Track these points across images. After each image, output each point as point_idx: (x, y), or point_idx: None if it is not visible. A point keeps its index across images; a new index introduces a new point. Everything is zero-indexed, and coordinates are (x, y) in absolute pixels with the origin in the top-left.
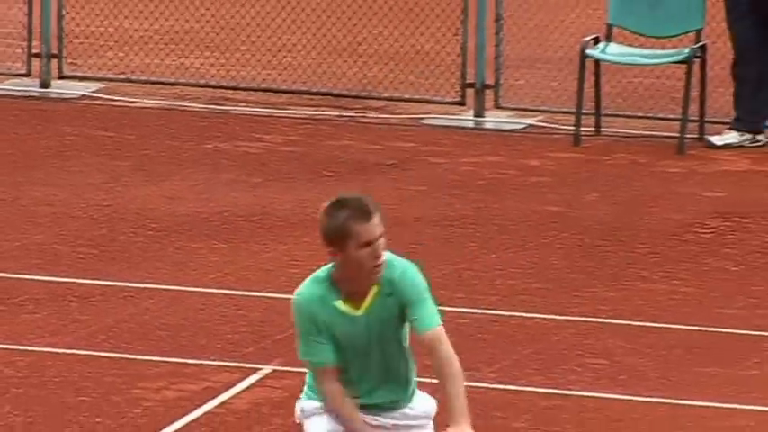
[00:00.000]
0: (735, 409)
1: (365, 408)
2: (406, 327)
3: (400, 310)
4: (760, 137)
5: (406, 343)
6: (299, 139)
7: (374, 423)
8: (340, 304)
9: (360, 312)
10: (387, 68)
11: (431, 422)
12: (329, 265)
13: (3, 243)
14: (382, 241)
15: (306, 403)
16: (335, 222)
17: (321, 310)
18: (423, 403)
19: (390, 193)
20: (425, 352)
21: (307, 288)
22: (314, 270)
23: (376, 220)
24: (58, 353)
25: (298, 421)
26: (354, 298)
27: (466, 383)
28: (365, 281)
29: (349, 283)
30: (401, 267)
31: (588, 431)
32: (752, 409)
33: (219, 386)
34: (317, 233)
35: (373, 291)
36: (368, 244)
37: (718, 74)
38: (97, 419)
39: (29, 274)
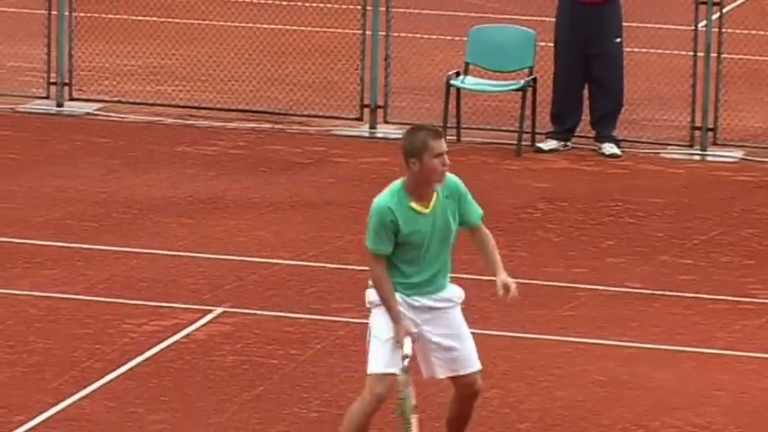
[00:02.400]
0: (558, 340)
1: (413, 287)
2: (455, 227)
3: (455, 207)
4: (569, 143)
5: (453, 240)
6: (244, 144)
7: (416, 304)
8: (414, 205)
9: (428, 211)
10: (306, 93)
11: (459, 304)
12: (399, 182)
13: (30, 218)
14: (447, 157)
15: (373, 294)
16: (417, 138)
17: (398, 210)
18: (455, 289)
19: (309, 183)
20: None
21: (385, 196)
22: (259, 238)
23: (444, 139)
24: (68, 298)
25: (368, 306)
26: (423, 201)
27: (361, 321)
28: (434, 184)
29: (419, 188)
30: (453, 178)
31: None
32: (569, 340)
33: (185, 322)
34: (258, 212)
35: (436, 194)
36: (440, 155)
37: (544, 98)
38: (96, 346)
39: (48, 241)
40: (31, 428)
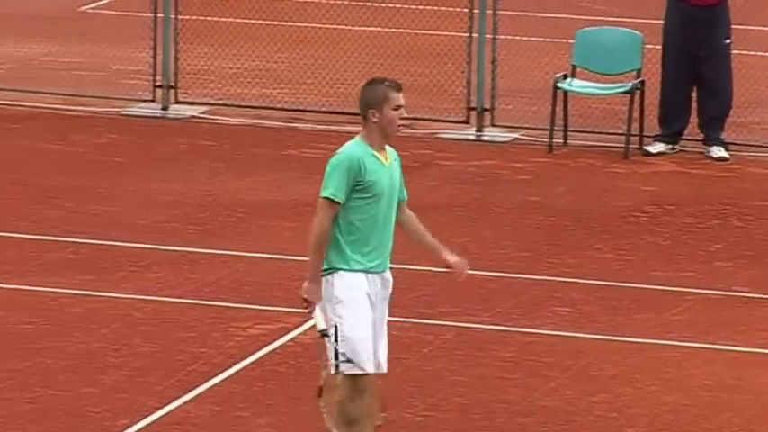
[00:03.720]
0: (664, 344)
1: (371, 256)
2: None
3: (399, 176)
4: (676, 146)
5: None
6: None
7: (376, 280)
8: (377, 154)
9: (387, 163)
10: (412, 96)
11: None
12: (356, 137)
13: (135, 222)
14: (404, 111)
15: (339, 289)
16: (378, 90)
17: (365, 158)
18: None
19: (414, 186)
20: None
21: (349, 147)
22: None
23: (402, 94)
24: (173, 301)
25: (334, 300)
26: (381, 153)
27: (468, 326)
28: (388, 137)
29: (377, 140)
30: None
31: (557, 360)
32: (676, 345)
33: (290, 326)
34: None
35: (388, 151)
36: (398, 107)
37: (651, 101)
38: (201, 349)
39: (153, 244)
40: None
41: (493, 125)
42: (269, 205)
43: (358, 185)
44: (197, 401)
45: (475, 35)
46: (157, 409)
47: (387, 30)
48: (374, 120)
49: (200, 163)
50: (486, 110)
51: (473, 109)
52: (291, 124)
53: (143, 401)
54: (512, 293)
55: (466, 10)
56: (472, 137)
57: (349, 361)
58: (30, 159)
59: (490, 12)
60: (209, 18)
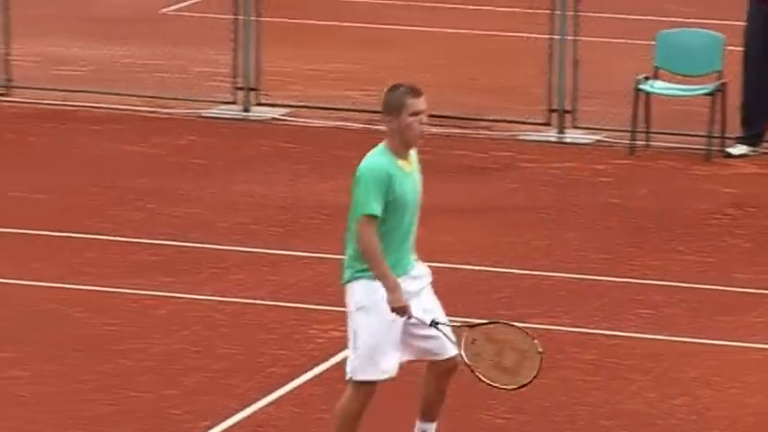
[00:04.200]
0: (745, 347)
1: (395, 262)
2: None
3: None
4: (758, 148)
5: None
6: (429, 149)
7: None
8: (400, 163)
9: (409, 170)
10: (494, 98)
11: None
12: (380, 145)
13: (216, 224)
14: (425, 116)
15: (359, 294)
16: (394, 96)
17: (390, 168)
18: (423, 266)
19: (495, 188)
20: None
21: (374, 158)
22: (444, 243)
23: (423, 98)
24: (253, 303)
25: (354, 308)
26: (403, 160)
27: (549, 328)
28: (410, 144)
29: (398, 147)
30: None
31: (638, 363)
32: (757, 347)
33: None
34: (444, 217)
35: (411, 157)
36: (416, 113)
37: (733, 102)
38: (282, 351)
39: (234, 246)
40: None
41: (574, 127)
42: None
43: (387, 196)
44: (278, 403)
45: (556, 37)
46: (238, 410)
47: (467, 31)
48: (392, 126)
49: (281, 165)
50: (567, 111)
51: (554, 111)
52: (373, 126)
53: (224, 403)
54: (593, 296)
55: (547, 11)
56: (553, 139)
57: (363, 368)
58: (111, 161)
59: (571, 13)
60: (289, 20)
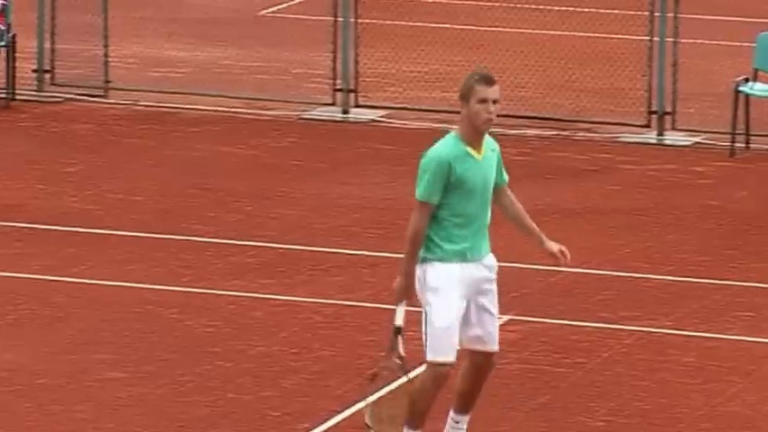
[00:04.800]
0: None
1: (464, 250)
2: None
3: (495, 164)
4: None
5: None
6: (529, 151)
7: (474, 273)
8: (469, 150)
9: (479, 157)
10: (593, 100)
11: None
12: (451, 132)
13: (314, 226)
14: (495, 106)
15: (431, 273)
16: (467, 83)
17: (455, 157)
18: (493, 258)
19: (594, 190)
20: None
21: (441, 146)
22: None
23: (495, 87)
24: (353, 305)
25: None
26: (474, 146)
27: (649, 330)
28: (478, 131)
29: (468, 133)
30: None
31: (738, 365)
32: None
33: None
34: (543, 219)
35: (484, 144)
36: (483, 101)
37: None
38: (382, 353)
39: (332, 248)
40: None
41: (674, 129)
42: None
43: (449, 185)
44: None
45: (656, 38)
46: (338, 412)
47: (566, 33)
48: (464, 112)
49: (379, 167)
50: (667, 113)
51: (654, 113)
52: None
53: (323, 405)
54: (693, 298)
55: (647, 13)
56: (653, 140)
57: (435, 349)
58: (209, 163)
59: (671, 15)
60: (388, 22)
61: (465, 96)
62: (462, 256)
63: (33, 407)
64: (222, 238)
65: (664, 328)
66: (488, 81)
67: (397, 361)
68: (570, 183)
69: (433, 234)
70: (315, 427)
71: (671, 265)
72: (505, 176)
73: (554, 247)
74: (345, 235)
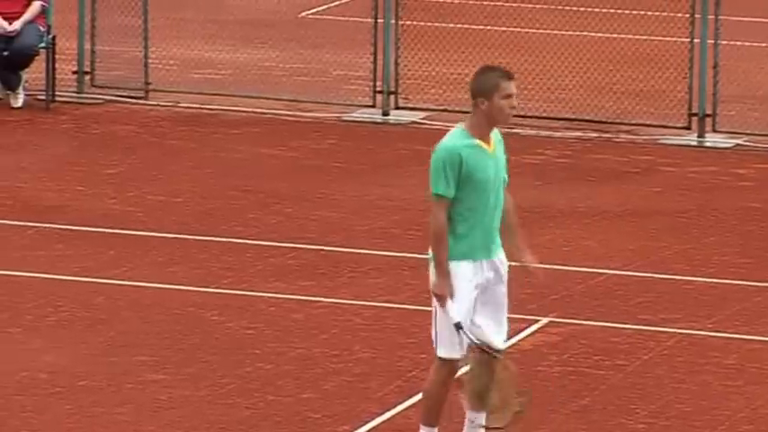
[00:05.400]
0: None
1: (479, 246)
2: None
3: (502, 156)
4: None
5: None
6: (570, 153)
7: (485, 268)
8: (479, 143)
9: (490, 150)
10: (634, 102)
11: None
12: (457, 126)
13: (355, 227)
14: (516, 100)
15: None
16: (489, 78)
17: (466, 150)
18: (503, 253)
19: (635, 192)
20: None
21: (451, 139)
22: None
23: (514, 82)
24: (394, 307)
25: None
26: (484, 140)
27: (689, 332)
28: (497, 125)
29: (482, 128)
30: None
31: None
32: None
33: (511, 332)
34: (585, 221)
35: (493, 136)
36: (509, 96)
37: None
38: (422, 355)
39: (373, 250)
40: None
41: (714, 131)
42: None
43: (461, 177)
44: (418, 408)
45: (696, 40)
46: (378, 414)
47: (607, 35)
48: (482, 107)
49: (420, 168)
50: (707, 115)
51: (695, 115)
52: (512, 130)
53: (364, 407)
54: (734, 300)
55: (687, 15)
56: (694, 143)
57: (444, 345)
58: (250, 164)
59: (712, 17)
60: (429, 23)
61: (488, 92)
62: (473, 255)
63: (74, 409)
64: (263, 240)
65: (704, 330)
66: (510, 76)
67: (478, 351)
68: (611, 185)
69: (447, 229)
70: (355, 429)
71: (712, 268)
72: (506, 176)
73: (532, 263)
74: (386, 237)
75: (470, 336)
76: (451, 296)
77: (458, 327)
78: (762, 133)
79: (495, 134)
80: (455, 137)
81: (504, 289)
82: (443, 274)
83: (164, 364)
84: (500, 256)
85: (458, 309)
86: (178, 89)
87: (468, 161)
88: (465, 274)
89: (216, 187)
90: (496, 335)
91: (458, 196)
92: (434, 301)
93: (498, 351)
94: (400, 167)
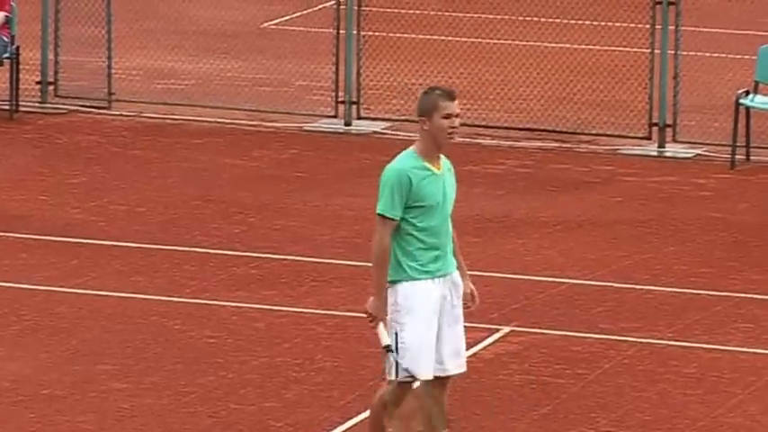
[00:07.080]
0: None
1: (435, 263)
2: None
3: (451, 183)
4: None
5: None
6: (531, 163)
7: (442, 287)
8: (428, 164)
9: (439, 172)
10: (594, 112)
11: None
12: (409, 148)
13: (317, 237)
14: (458, 120)
15: (401, 295)
16: (429, 98)
17: (414, 172)
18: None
19: (596, 202)
20: None
21: (401, 160)
22: (546, 257)
23: (456, 102)
24: (356, 317)
25: (395, 308)
26: (433, 162)
27: (650, 341)
28: (441, 145)
29: (429, 150)
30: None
31: (740, 377)
32: None
33: (471, 342)
34: (545, 231)
35: (442, 161)
36: (448, 116)
37: None
38: (384, 364)
39: (335, 259)
40: None
41: (675, 141)
42: (453, 221)
43: (410, 199)
44: None
45: (657, 51)
46: (340, 423)
47: (568, 46)
48: (425, 127)
49: None
50: (668, 126)
51: (655, 125)
52: (474, 140)
53: (326, 416)
54: (694, 309)
55: (648, 26)
56: (654, 153)
57: (406, 369)
58: (213, 174)
59: (672, 27)
60: (391, 34)
61: (428, 112)
62: (431, 274)
63: (37, 417)
64: (225, 250)
65: (665, 340)
66: (451, 96)
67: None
68: (572, 194)
69: (400, 254)
70: None
71: (672, 277)
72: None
73: (467, 289)
74: (348, 246)
75: (399, 361)
76: (383, 320)
77: (387, 349)
78: (722, 143)
79: (445, 162)
80: (404, 159)
81: (459, 310)
82: (380, 295)
83: (126, 372)
84: (454, 277)
85: (417, 329)
86: (141, 99)
87: (416, 183)
88: (424, 293)
89: (179, 197)
90: (451, 357)
91: (408, 217)
92: (396, 323)
93: (422, 380)
94: (362, 177)
